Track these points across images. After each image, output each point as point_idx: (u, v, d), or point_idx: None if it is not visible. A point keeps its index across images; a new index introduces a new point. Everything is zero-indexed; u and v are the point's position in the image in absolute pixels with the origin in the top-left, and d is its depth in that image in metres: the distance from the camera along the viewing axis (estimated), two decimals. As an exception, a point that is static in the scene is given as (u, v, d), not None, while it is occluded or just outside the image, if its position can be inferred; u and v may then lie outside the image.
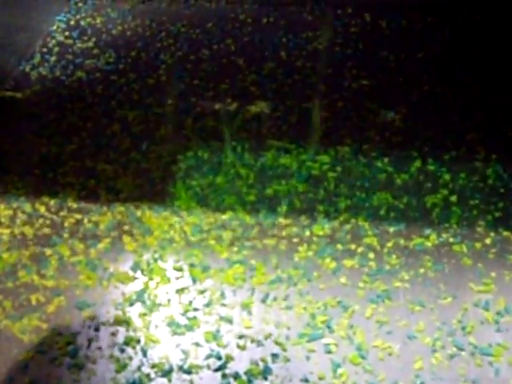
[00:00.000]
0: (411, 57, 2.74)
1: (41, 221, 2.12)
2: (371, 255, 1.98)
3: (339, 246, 2.01)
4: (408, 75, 2.65)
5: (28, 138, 2.41)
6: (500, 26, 2.91)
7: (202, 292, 1.89)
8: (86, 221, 2.12)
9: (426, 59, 2.73)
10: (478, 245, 2.00)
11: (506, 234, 2.03)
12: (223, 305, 1.86)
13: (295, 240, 2.03)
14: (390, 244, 2.01)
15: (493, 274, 1.92)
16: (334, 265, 1.95)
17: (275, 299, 1.87)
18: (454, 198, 2.14)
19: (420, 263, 1.96)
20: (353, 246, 2.01)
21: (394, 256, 1.98)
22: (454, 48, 2.79)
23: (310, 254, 1.99)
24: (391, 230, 2.05)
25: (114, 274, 1.95)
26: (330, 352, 1.75)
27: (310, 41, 2.85)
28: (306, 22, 2.98)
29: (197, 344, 1.77)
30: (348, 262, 1.96)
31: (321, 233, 2.04)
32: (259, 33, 2.92)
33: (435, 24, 2.94)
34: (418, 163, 2.26)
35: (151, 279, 1.93)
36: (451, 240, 2.02)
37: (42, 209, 2.16)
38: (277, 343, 1.77)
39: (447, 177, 2.21)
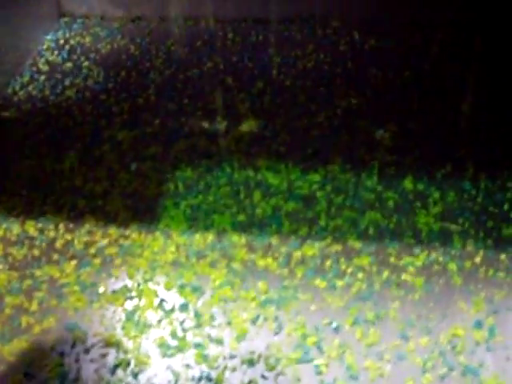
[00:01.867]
0: (400, 74, 2.75)
1: (30, 242, 2.11)
2: (361, 275, 1.98)
3: (329, 266, 2.01)
4: (397, 93, 2.66)
5: (17, 158, 2.41)
6: (489, 43, 2.92)
7: (192, 313, 1.88)
8: (75, 241, 2.11)
9: (414, 77, 2.74)
10: (467, 264, 2.01)
11: (495, 252, 2.04)
12: (213, 326, 1.85)
13: (285, 260, 2.03)
14: (380, 263, 2.01)
15: (482, 294, 1.92)
16: (324, 285, 1.95)
17: (265, 320, 1.86)
18: (443, 217, 2.14)
19: (410, 283, 1.96)
20: (343, 266, 2.01)
21: (384, 276, 1.98)
22: (443, 65, 2.80)
23: (300, 274, 1.99)
24: (381, 249, 2.05)
25: (104, 295, 1.95)
26: (320, 373, 1.75)
27: (299, 59, 2.86)
28: (295, 40, 2.99)
29: (187, 365, 1.77)
30: (338, 282, 1.96)
31: (311, 253, 2.04)
32: (248, 51, 2.92)
33: (424, 41, 2.95)
34: (407, 182, 2.27)
35: (141, 300, 1.92)
36: (441, 259, 2.02)
37: (32, 229, 2.15)
38: (267, 365, 1.76)
39: (437, 195, 2.22)
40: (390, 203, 2.20)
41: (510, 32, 2.97)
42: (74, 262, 2.05)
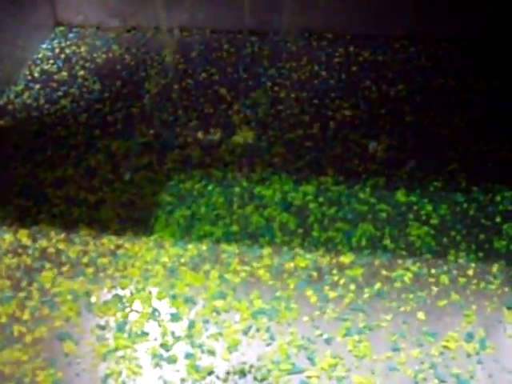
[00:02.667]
0: (393, 87, 2.76)
1: (23, 250, 2.11)
2: (353, 287, 1.99)
3: (322, 278, 2.01)
4: (390, 106, 2.67)
5: (11, 167, 2.41)
6: (483, 57, 2.94)
7: (184, 323, 1.89)
8: (68, 251, 2.11)
9: (408, 90, 2.75)
10: (459, 276, 2.01)
11: (487, 265, 2.05)
12: (206, 336, 1.85)
13: (278, 271, 2.03)
14: (372, 275, 2.02)
15: (474, 306, 1.93)
16: (316, 297, 1.96)
17: (257, 331, 1.86)
18: (436, 230, 2.15)
19: (402, 295, 1.96)
20: (335, 278, 2.01)
21: (376, 287, 1.98)
22: (436, 78, 2.81)
23: (293, 285, 1.99)
24: (373, 261, 2.06)
25: (96, 304, 1.95)
26: (311, 384, 1.75)
27: (294, 71, 2.87)
28: (290, 52, 3.00)
29: (179, 376, 1.77)
30: (330, 294, 1.96)
31: (303, 264, 2.05)
32: (243, 63, 2.93)
33: (417, 54, 2.97)
34: (400, 194, 2.28)
35: (133, 310, 1.92)
36: (433, 271, 2.03)
37: (24, 238, 2.15)
38: (259, 376, 1.76)
39: (429, 208, 2.23)
40: (383, 215, 2.21)
41: (504, 45, 2.99)
42: (66, 272, 2.05)
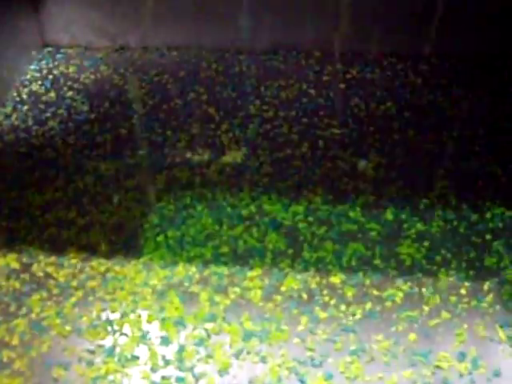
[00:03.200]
0: (382, 105, 2.76)
1: (11, 274, 2.10)
2: (344, 307, 1.98)
3: (312, 299, 2.00)
4: (379, 123, 2.67)
5: (-1, 190, 2.40)
6: (472, 72, 2.94)
7: (174, 346, 1.87)
8: (57, 274, 2.10)
9: (396, 107, 2.75)
10: (450, 295, 2.01)
11: (478, 283, 2.04)
12: (196, 360, 1.84)
13: (268, 293, 2.02)
14: (362, 295, 2.01)
15: (465, 325, 1.92)
16: (306, 318, 1.95)
17: (248, 353, 1.85)
18: (426, 248, 2.15)
19: (393, 314, 1.96)
20: (326, 298, 2.00)
21: (367, 307, 1.97)
22: (425, 95, 2.81)
23: (283, 306, 1.98)
24: (364, 281, 2.05)
25: (86, 328, 1.93)
26: (303, 407, 1.74)
27: (283, 89, 2.87)
28: (279, 70, 3.00)
29: (169, 401, 1.75)
30: (321, 315, 1.95)
31: (293, 285, 2.04)
32: (232, 82, 2.93)
33: (405, 71, 2.97)
34: (390, 212, 2.27)
35: (123, 334, 1.91)
36: (424, 290, 2.02)
37: (13, 262, 2.13)
38: (250, 399, 1.75)
39: (419, 226, 2.22)
40: (373, 234, 2.20)
41: (493, 61, 3.00)
42: (55, 295, 2.03)
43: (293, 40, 3.11)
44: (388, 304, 1.99)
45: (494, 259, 2.12)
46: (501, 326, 1.92)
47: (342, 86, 2.89)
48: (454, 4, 2.95)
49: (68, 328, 1.94)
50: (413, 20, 2.99)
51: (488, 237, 2.19)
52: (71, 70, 3.06)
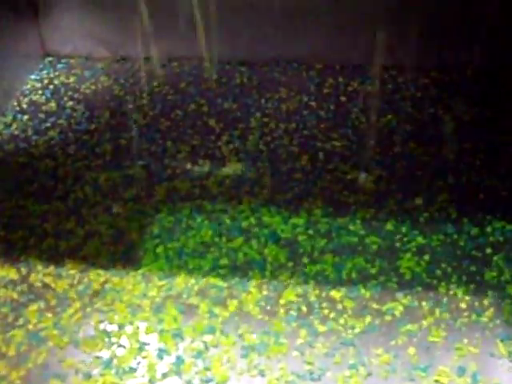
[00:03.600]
0: (383, 117, 2.76)
1: (9, 284, 2.09)
2: (343, 320, 1.96)
3: (311, 312, 1.99)
4: (380, 136, 2.66)
5: (-2, 199, 2.40)
6: (472, 86, 2.94)
7: (172, 359, 1.86)
8: (55, 285, 2.09)
9: (397, 120, 2.75)
10: (450, 309, 1.99)
11: (478, 297, 2.03)
12: (194, 372, 1.83)
13: (267, 305, 2.01)
14: (362, 309, 2.00)
15: (465, 340, 1.91)
16: (305, 331, 1.93)
17: (247, 366, 1.84)
18: (426, 262, 2.14)
19: (392, 328, 1.94)
20: (325, 311, 1.99)
21: (366, 321, 1.96)
22: (425, 108, 2.81)
23: (282, 319, 1.97)
24: (363, 294, 2.04)
25: (83, 339, 1.92)
26: (302, 421, 1.72)
27: (283, 101, 2.87)
28: (279, 82, 3.00)
29: (166, 413, 1.74)
30: (320, 328, 1.94)
31: (293, 298, 2.03)
32: (232, 93, 2.93)
33: (406, 84, 2.97)
34: (390, 226, 2.26)
35: (121, 346, 1.90)
36: (424, 304, 2.01)
37: (11, 272, 2.12)
38: (248, 412, 1.74)
39: (420, 239, 2.21)
40: (373, 247, 2.19)
41: (494, 75, 3.00)
42: (53, 306, 2.02)
43: (294, 52, 3.10)
44: (387, 318, 1.97)
45: (494, 273, 2.11)
46: (501, 341, 1.91)
47: (343, 98, 2.89)
48: (453, 18, 2.95)
49: (65, 339, 1.93)
50: (414, 33, 2.99)
51: (488, 251, 2.18)
52: (72, 80, 3.05)
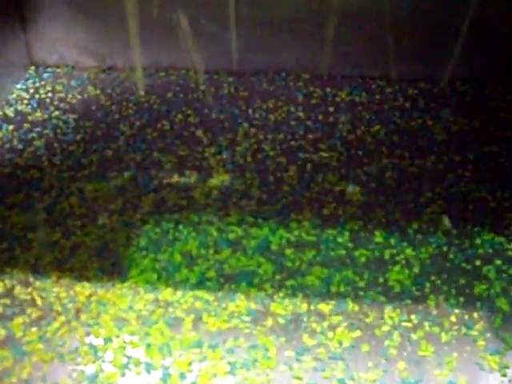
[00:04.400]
0: (371, 129, 2.75)
1: (-7, 297, 2.06)
2: (331, 334, 1.95)
3: (299, 325, 1.97)
4: (368, 147, 2.65)
5: (-18, 211, 2.37)
6: (461, 96, 2.94)
7: (159, 373, 1.83)
8: (40, 297, 2.06)
9: (385, 130, 2.74)
10: (440, 322, 1.98)
11: (468, 310, 2.02)
12: (181, 387, 1.81)
13: (254, 319, 1.99)
14: (350, 322, 1.98)
15: (455, 353, 1.89)
16: (294, 345, 1.91)
17: (235, 381, 1.82)
18: (415, 274, 2.12)
19: (382, 342, 1.93)
20: (313, 325, 1.97)
21: (355, 335, 1.94)
22: (413, 119, 2.80)
23: (270, 333, 1.95)
24: (352, 307, 2.02)
25: (69, 353, 1.89)
26: None
27: (271, 112, 2.85)
28: (267, 92, 2.99)
29: (153, 429, 1.72)
30: (309, 342, 1.92)
31: (280, 311, 2.01)
32: (220, 104, 2.91)
33: (394, 94, 2.96)
34: (379, 238, 2.25)
35: (107, 360, 1.87)
36: (413, 317, 2.00)
37: (-5, 285, 2.10)
38: (236, 428, 1.72)
39: (409, 251, 2.20)
40: (362, 260, 2.17)
41: (482, 86, 3.00)
42: (38, 319, 1.99)
43: (281, 62, 3.09)
44: (376, 331, 1.96)
45: (483, 286, 2.09)
46: (491, 354, 1.89)
47: (331, 109, 2.88)
48: (445, 30, 2.95)
49: (50, 353, 1.90)
50: (403, 44, 2.99)
51: (478, 263, 2.17)
52: (58, 89, 3.03)
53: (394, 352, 1.90)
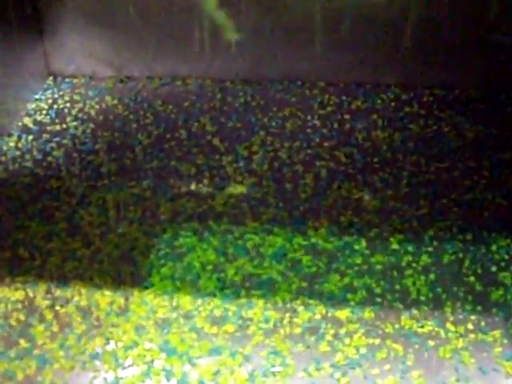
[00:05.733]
0: (387, 136, 2.76)
1: (14, 306, 2.09)
2: (348, 341, 1.96)
3: (317, 333, 1.99)
4: (384, 154, 2.67)
5: (2, 219, 2.39)
6: (476, 103, 2.95)
7: (179, 381, 1.86)
8: (60, 306, 2.09)
9: (401, 137, 2.75)
10: (456, 328, 1.99)
11: (484, 316, 2.03)
12: (200, 394, 1.83)
13: (273, 327, 2.01)
14: (367, 329, 2.00)
15: (472, 360, 1.91)
16: (312, 352, 1.93)
17: (253, 388, 1.84)
18: (432, 281, 2.14)
19: (399, 348, 1.94)
20: (331, 332, 1.99)
21: (372, 341, 1.96)
22: (429, 126, 2.82)
23: (288, 340, 1.97)
24: (369, 314, 2.04)
25: (90, 361, 1.92)
26: None
27: (287, 120, 2.87)
28: (283, 100, 3.01)
29: None
30: (327, 349, 1.94)
31: (298, 319, 2.03)
32: (236, 112, 2.94)
33: (410, 102, 2.97)
34: (395, 245, 2.26)
35: (127, 366, 1.89)
36: (429, 324, 2.01)
37: (17, 293, 2.13)
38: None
39: (425, 258, 2.21)
40: (379, 267, 2.19)
41: (498, 93, 3.00)
42: (59, 327, 2.02)
43: (297, 70, 3.11)
44: (394, 338, 1.97)
45: (500, 292, 2.10)
46: (507, 360, 1.90)
47: (347, 116, 2.89)
48: (459, 37, 2.96)
49: (71, 361, 1.92)
50: (418, 51, 3.00)
51: (493, 269, 2.18)
52: (76, 99, 3.06)
53: (411, 358, 1.91)
